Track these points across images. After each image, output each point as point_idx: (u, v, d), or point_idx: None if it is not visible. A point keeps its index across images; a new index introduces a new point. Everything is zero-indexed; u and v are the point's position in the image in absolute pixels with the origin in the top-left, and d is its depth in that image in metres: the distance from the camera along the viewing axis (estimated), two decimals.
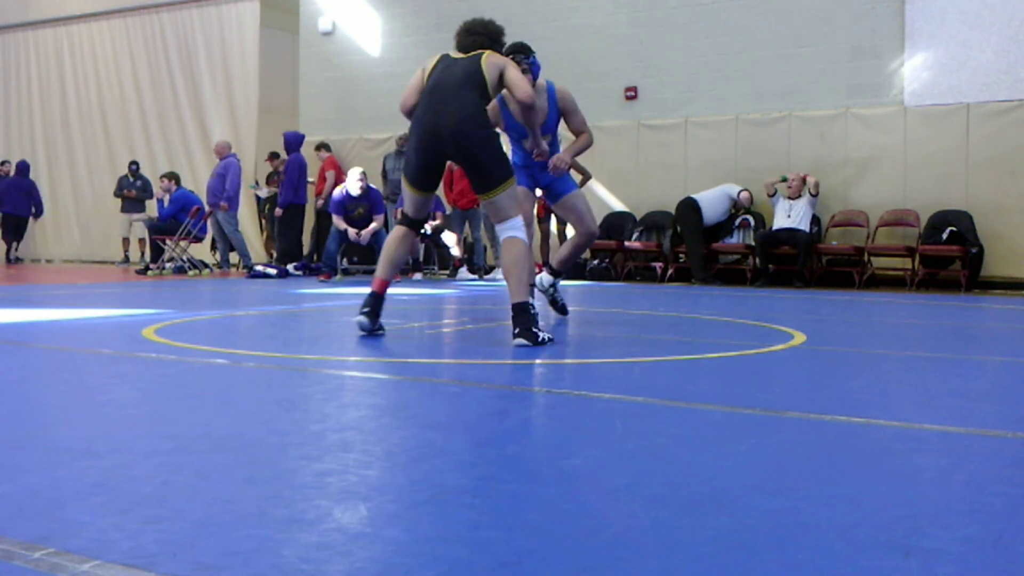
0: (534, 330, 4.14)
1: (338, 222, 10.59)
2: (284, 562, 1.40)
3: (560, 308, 5.68)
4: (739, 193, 10.56)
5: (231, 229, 12.19)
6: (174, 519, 1.60)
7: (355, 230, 10.57)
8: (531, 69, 5.11)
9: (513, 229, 4.34)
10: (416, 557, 1.44)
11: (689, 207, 10.55)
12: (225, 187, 11.99)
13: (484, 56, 4.40)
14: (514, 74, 4.38)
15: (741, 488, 1.85)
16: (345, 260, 11.50)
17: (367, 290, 4.54)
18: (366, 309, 4.47)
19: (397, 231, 4.64)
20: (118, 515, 1.62)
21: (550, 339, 4.20)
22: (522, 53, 5.07)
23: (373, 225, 10.61)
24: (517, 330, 4.16)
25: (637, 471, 2.01)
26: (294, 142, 12.11)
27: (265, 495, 1.77)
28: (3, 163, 16.19)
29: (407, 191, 4.52)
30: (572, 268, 11.22)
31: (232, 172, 12.11)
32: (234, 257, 12.85)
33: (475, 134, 4.26)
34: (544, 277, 5.65)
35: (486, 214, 11.52)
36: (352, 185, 10.52)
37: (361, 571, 1.38)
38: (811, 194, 10.13)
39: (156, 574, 1.34)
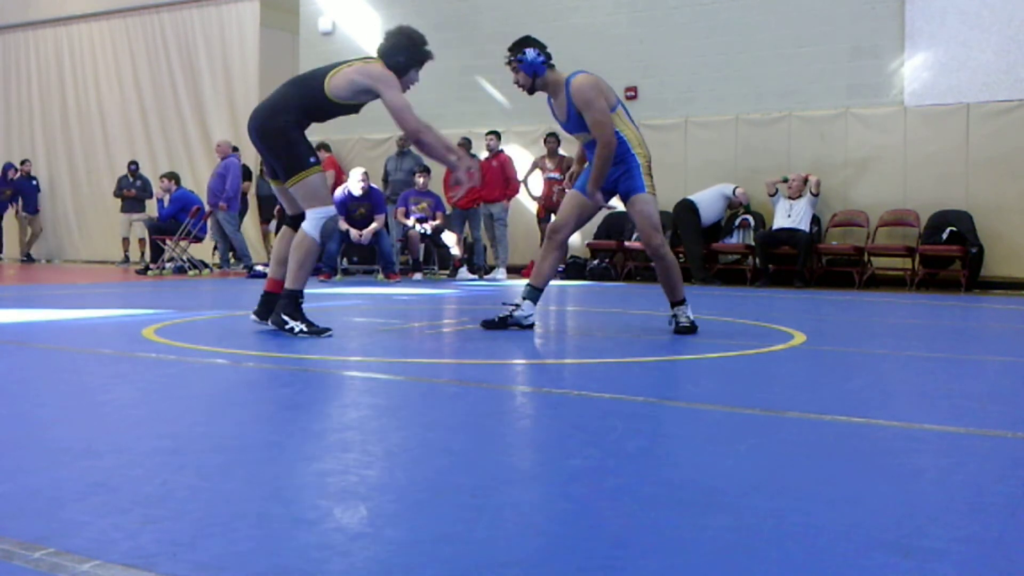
0: (283, 317, 4.42)
1: (339, 222, 10.58)
2: (284, 562, 1.40)
3: (683, 330, 4.76)
4: (734, 191, 10.55)
5: (232, 229, 12.18)
6: (174, 519, 1.60)
7: (356, 231, 10.57)
8: (520, 68, 4.79)
9: (307, 219, 4.48)
10: (416, 557, 1.44)
11: (686, 208, 10.56)
12: (225, 187, 11.98)
13: (351, 64, 4.55)
14: (392, 99, 4.40)
15: (741, 488, 1.85)
16: (345, 260, 11.51)
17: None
18: (256, 309, 4.76)
19: (284, 231, 4.80)
20: (118, 515, 1.62)
21: (307, 331, 4.39)
22: (509, 52, 4.81)
23: (374, 225, 10.61)
24: (272, 316, 4.49)
25: (637, 471, 2.01)
26: None
27: (265, 495, 1.77)
28: (23, 162, 16.13)
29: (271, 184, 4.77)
30: (572, 268, 11.26)
31: (233, 172, 12.09)
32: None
33: (267, 127, 4.47)
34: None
35: (486, 214, 11.56)
36: (354, 185, 10.54)
37: (361, 571, 1.38)
38: (812, 193, 10.12)
39: (156, 574, 1.34)
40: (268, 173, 4.73)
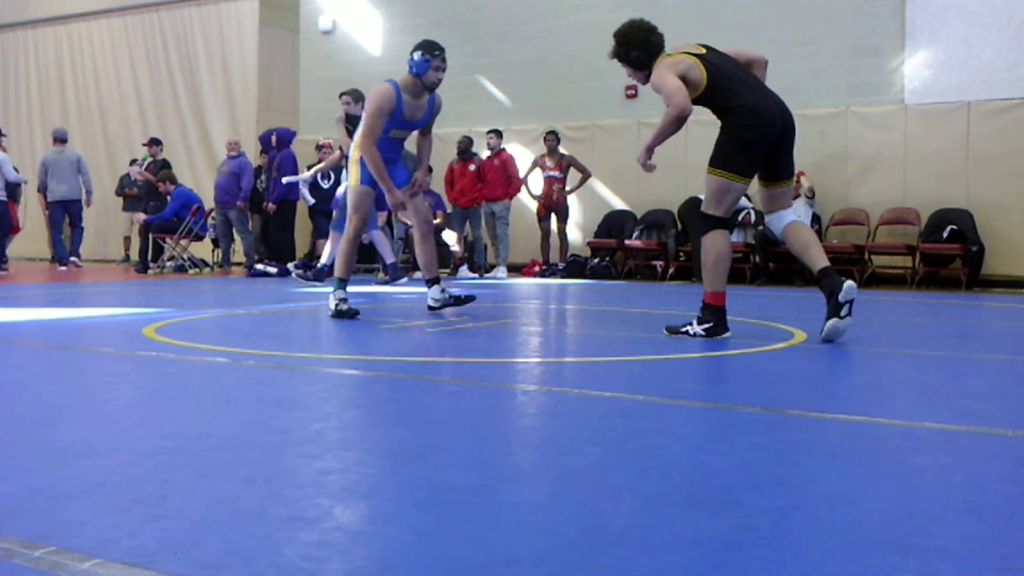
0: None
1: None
2: (284, 561, 1.40)
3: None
4: (748, 210, 10.54)
5: (243, 229, 12.23)
6: (174, 518, 1.60)
7: None
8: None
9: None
10: (416, 556, 1.44)
11: (696, 206, 10.52)
12: (241, 186, 12.05)
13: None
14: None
15: (741, 488, 1.84)
16: None
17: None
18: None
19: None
20: (118, 514, 1.62)
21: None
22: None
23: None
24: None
25: (637, 470, 2.01)
26: (287, 138, 12.13)
27: (265, 494, 1.77)
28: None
29: (739, 184, 4.52)
30: (573, 267, 11.27)
31: (248, 172, 12.17)
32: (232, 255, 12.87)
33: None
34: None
35: (488, 212, 11.56)
36: None
37: (361, 570, 1.38)
38: (807, 196, 10.11)
39: (156, 573, 1.34)
40: (761, 175, 4.62)
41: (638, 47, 4.65)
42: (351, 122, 8.92)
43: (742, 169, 4.47)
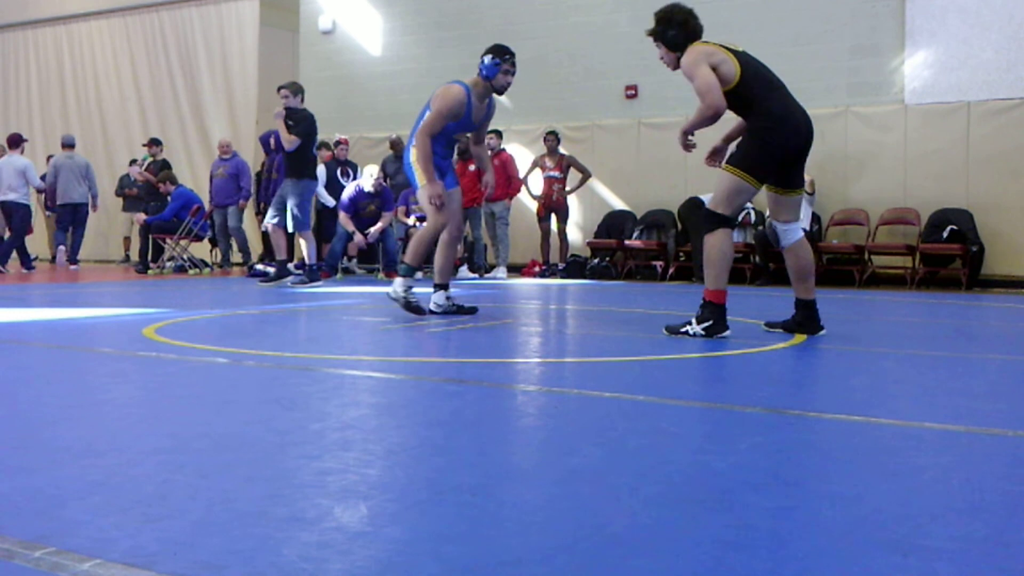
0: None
1: (345, 222, 10.58)
2: (284, 560, 1.40)
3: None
4: (748, 210, 10.53)
5: (238, 228, 12.27)
6: (174, 518, 1.61)
7: (360, 234, 10.59)
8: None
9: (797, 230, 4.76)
10: (416, 556, 1.44)
11: (696, 207, 10.53)
12: (240, 186, 12.14)
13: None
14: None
15: (741, 487, 1.85)
16: (346, 258, 11.50)
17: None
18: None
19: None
20: (118, 514, 1.62)
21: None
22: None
23: (380, 224, 10.60)
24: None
25: (637, 470, 2.01)
26: None
27: (265, 494, 1.77)
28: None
29: (753, 186, 4.51)
30: (573, 267, 11.27)
31: (246, 173, 12.25)
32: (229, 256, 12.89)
33: None
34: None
35: (488, 213, 11.55)
36: (366, 181, 10.58)
37: (361, 570, 1.38)
38: (807, 192, 10.10)
39: (156, 573, 1.34)
40: (776, 181, 4.60)
41: (677, 26, 4.65)
42: (291, 117, 8.92)
43: (759, 173, 4.48)
